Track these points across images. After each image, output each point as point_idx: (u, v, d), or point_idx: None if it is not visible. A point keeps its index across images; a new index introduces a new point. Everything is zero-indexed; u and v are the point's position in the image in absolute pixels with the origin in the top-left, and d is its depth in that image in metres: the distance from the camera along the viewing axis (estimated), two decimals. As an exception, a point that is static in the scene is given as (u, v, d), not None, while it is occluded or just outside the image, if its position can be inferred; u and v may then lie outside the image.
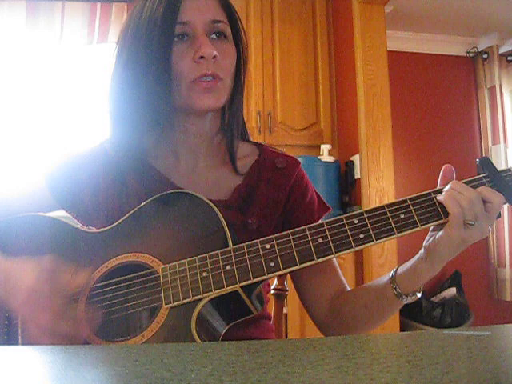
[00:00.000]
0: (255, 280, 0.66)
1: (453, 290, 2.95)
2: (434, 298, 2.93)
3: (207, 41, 0.76)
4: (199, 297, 0.66)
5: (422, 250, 0.71)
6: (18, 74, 2.66)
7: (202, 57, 0.74)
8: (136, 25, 0.77)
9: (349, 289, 0.85)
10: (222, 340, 0.68)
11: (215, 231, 0.71)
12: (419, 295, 0.74)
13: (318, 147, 2.65)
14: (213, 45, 0.76)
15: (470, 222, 0.65)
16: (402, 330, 2.47)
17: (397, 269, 0.75)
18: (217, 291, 0.66)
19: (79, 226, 0.85)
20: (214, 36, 0.78)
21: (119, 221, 0.76)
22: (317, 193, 0.90)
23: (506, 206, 0.70)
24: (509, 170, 0.69)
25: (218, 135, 0.87)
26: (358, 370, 0.38)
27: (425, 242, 0.71)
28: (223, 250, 0.68)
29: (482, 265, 3.33)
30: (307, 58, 2.76)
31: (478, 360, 0.40)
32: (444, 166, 0.71)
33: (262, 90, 2.69)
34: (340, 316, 0.81)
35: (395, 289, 0.73)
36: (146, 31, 0.75)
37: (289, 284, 0.98)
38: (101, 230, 0.77)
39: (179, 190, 0.76)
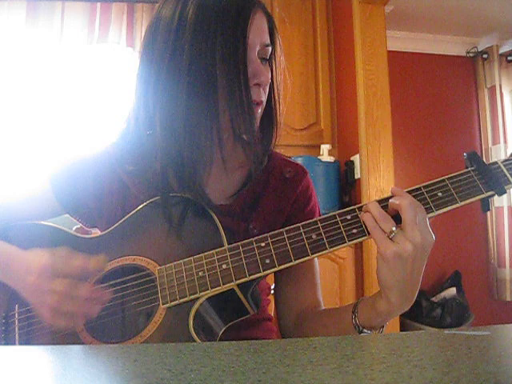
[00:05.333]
0: (251, 277, 0.67)
1: (453, 290, 2.95)
2: (433, 298, 2.92)
3: (263, 67, 0.73)
4: (196, 296, 0.66)
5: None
6: (18, 73, 2.66)
7: (257, 84, 0.72)
8: (192, 39, 0.69)
9: (323, 308, 0.84)
10: (223, 341, 0.68)
11: (210, 232, 0.71)
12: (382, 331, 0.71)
13: (318, 147, 2.65)
14: None
15: (390, 234, 0.63)
16: (402, 330, 2.47)
17: (362, 299, 0.72)
18: (213, 290, 0.66)
19: (75, 229, 0.85)
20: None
21: (115, 225, 0.76)
22: (318, 205, 0.89)
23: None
24: (496, 162, 0.69)
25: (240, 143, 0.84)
26: (358, 369, 0.38)
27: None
28: (218, 249, 0.69)
29: (482, 265, 3.33)
30: (307, 58, 2.76)
31: (477, 360, 0.40)
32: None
33: (262, 90, 2.68)
34: (301, 330, 0.81)
35: (354, 319, 0.70)
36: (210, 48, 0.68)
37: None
38: (97, 235, 0.77)
39: (173, 194, 0.75)
